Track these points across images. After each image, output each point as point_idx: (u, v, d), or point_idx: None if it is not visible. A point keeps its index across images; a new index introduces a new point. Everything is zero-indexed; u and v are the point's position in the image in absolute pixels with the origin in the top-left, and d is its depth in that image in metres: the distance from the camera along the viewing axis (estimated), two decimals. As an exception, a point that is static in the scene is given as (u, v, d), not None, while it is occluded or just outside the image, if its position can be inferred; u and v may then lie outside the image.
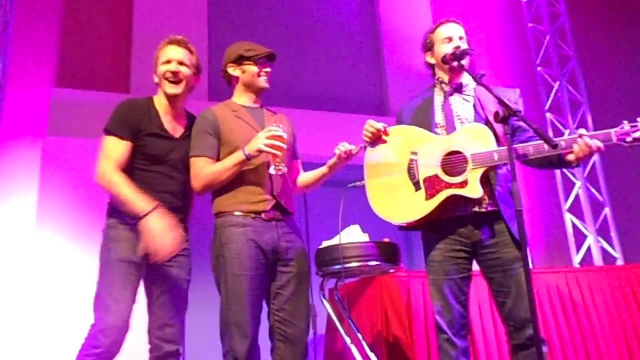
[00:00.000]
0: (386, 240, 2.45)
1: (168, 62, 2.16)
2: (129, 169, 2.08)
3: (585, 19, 5.61)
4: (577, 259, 4.77)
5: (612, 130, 1.86)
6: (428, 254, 2.02)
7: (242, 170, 2.09)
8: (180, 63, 2.17)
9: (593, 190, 4.92)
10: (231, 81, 2.30)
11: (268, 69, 2.25)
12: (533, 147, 1.88)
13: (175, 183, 2.15)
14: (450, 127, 2.03)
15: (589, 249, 4.79)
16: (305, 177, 2.32)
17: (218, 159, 2.15)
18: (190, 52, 2.23)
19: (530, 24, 5.39)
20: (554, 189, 5.03)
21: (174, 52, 2.18)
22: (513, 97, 2.16)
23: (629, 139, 1.84)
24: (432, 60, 2.18)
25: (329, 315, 2.67)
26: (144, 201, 1.95)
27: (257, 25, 4.66)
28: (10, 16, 3.78)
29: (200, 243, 3.97)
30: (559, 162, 1.97)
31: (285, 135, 2.03)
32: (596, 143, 1.85)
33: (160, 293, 2.08)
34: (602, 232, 4.83)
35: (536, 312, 1.64)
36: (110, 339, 1.93)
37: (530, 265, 1.71)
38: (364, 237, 2.31)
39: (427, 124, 2.05)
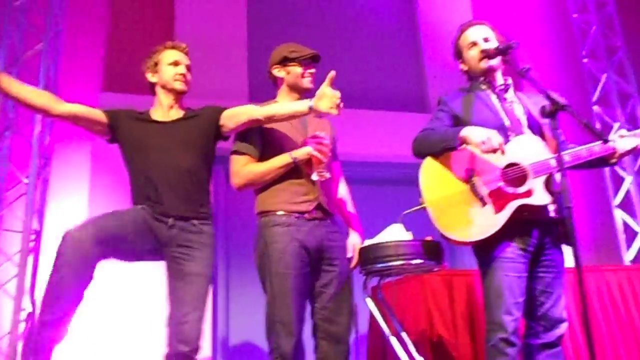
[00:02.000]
0: (429, 238, 2.42)
1: (176, 64, 2.24)
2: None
3: (634, 7, 5.38)
4: (628, 256, 4.59)
5: None
6: (499, 249, 1.96)
7: (286, 172, 2.13)
8: (187, 67, 2.27)
9: (644, 186, 4.73)
10: (276, 83, 2.35)
11: (312, 70, 2.30)
12: (586, 149, 1.91)
13: (183, 170, 2.11)
14: (518, 131, 2.03)
15: (641, 246, 4.61)
16: (342, 204, 2.38)
17: (260, 159, 2.19)
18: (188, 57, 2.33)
19: (575, 15, 5.22)
20: (602, 184, 4.85)
21: (181, 57, 2.27)
22: (541, 99, 2.14)
23: None
24: (465, 68, 2.17)
25: (371, 314, 2.67)
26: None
27: (295, 25, 4.69)
28: (61, 25, 3.94)
29: (242, 242, 4.05)
30: (601, 161, 2.00)
31: (329, 143, 2.09)
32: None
33: (174, 288, 2.03)
34: (655, 229, 4.64)
35: (587, 309, 1.61)
36: None
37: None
38: (408, 236, 2.30)
39: (496, 126, 2.01)
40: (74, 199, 3.57)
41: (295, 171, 2.15)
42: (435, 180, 2.03)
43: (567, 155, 1.92)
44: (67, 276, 1.84)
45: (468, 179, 1.98)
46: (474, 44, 2.10)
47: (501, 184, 1.95)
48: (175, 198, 2.07)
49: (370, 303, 2.46)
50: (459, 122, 2.07)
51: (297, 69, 2.28)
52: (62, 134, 3.79)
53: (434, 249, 2.27)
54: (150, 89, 2.30)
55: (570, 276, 2.62)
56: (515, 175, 1.96)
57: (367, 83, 4.74)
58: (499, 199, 1.94)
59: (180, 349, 1.94)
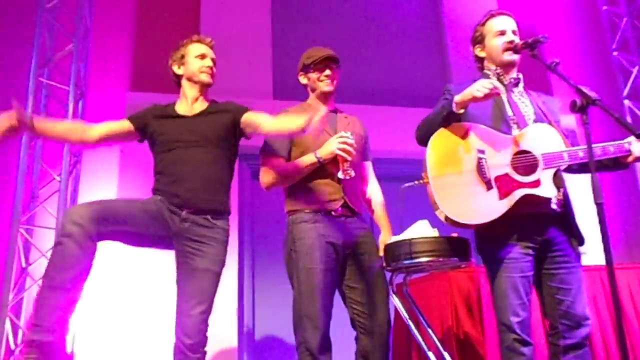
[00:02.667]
0: (455, 235, 2.41)
1: (203, 57, 2.29)
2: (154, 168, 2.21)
3: (667, -2, 5.24)
4: (660, 254, 4.49)
5: None
6: (500, 250, 1.95)
7: (313, 171, 2.17)
8: (213, 61, 2.32)
9: (677, 181, 4.61)
10: (307, 89, 2.44)
11: (327, 72, 2.33)
12: (600, 148, 1.85)
13: (193, 161, 2.14)
14: (522, 123, 1.99)
15: (673, 244, 4.49)
16: (373, 203, 2.40)
17: (289, 159, 2.24)
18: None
19: (604, 7, 5.10)
20: (633, 181, 4.74)
21: (207, 50, 2.32)
22: (557, 105, 2.11)
23: None
24: (482, 54, 2.14)
25: (397, 310, 2.66)
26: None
27: (319, 23, 4.70)
28: (90, 26, 4.03)
29: (268, 237, 4.08)
30: (615, 164, 1.95)
31: (353, 142, 2.11)
32: None
33: (182, 282, 2.07)
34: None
35: (620, 306, 1.58)
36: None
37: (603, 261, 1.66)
38: (434, 232, 2.29)
39: (499, 118, 2.00)
40: (104, 195, 3.64)
41: (322, 170, 2.18)
42: (442, 157, 1.96)
43: (580, 152, 1.88)
44: (68, 245, 1.82)
45: (477, 160, 1.93)
46: (502, 33, 2.06)
47: (510, 170, 1.91)
48: (190, 191, 2.10)
49: (396, 300, 2.46)
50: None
51: (314, 75, 2.35)
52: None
53: (461, 245, 2.25)
54: (176, 81, 2.34)
55: (601, 274, 2.58)
56: (525, 163, 1.91)
57: (391, 79, 4.72)
58: (505, 185, 1.89)
59: (184, 340, 1.99)
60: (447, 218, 1.96)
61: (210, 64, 2.30)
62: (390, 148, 4.01)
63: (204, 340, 2.03)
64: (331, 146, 2.12)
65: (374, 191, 2.43)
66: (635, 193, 4.71)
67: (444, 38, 4.93)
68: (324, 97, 2.35)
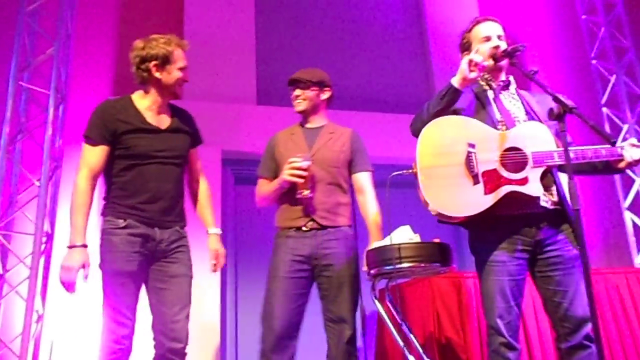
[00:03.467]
0: (437, 240, 2.43)
1: (183, 68, 2.22)
2: (112, 174, 2.13)
3: (643, 8, 5.36)
4: (638, 259, 4.56)
5: None
6: (489, 253, 1.95)
7: (287, 191, 2.36)
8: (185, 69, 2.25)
9: (655, 188, 4.70)
10: None
11: (295, 93, 2.50)
12: (592, 150, 1.86)
13: (170, 178, 2.16)
14: (510, 124, 2.01)
15: (650, 249, 4.57)
16: (364, 215, 2.49)
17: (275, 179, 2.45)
18: None
19: (583, 16, 5.20)
20: (612, 186, 4.82)
21: (185, 60, 2.24)
22: (550, 101, 2.11)
23: None
24: None
25: (379, 316, 2.67)
26: (79, 235, 2.01)
27: (303, 29, 4.71)
28: (71, 29, 3.99)
29: (254, 245, 4.06)
30: (606, 167, 1.95)
31: (304, 165, 2.28)
32: None
33: (162, 290, 2.09)
34: (665, 231, 4.60)
35: (596, 313, 1.58)
36: (124, 346, 2.01)
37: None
38: (416, 238, 2.30)
39: (486, 119, 2.01)
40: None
41: (293, 190, 2.35)
42: (432, 148, 1.96)
43: (572, 152, 1.84)
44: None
45: (466, 153, 1.92)
46: (488, 38, 2.07)
47: (498, 165, 1.91)
48: (162, 206, 2.13)
49: (378, 305, 2.47)
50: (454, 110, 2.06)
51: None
52: (72, 137, 3.83)
53: (443, 251, 2.28)
54: (143, 80, 2.19)
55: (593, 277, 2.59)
56: (515, 160, 1.92)
57: (374, 85, 4.75)
58: (491, 180, 1.89)
59: (174, 346, 2.04)
60: (437, 213, 1.95)
61: (186, 77, 2.24)
62: (372, 154, 4.03)
63: (187, 342, 2.10)
64: (284, 172, 2.32)
65: (364, 203, 2.49)
66: (615, 199, 4.79)
67: (427, 45, 4.98)
68: (302, 116, 2.54)
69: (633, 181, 4.75)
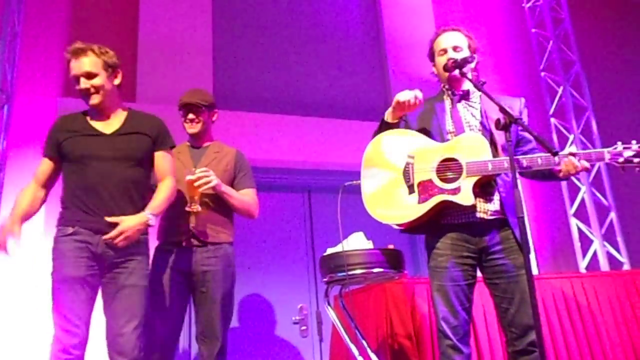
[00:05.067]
0: (391, 247, 2.45)
1: (77, 78, 2.12)
2: (64, 184, 2.15)
3: (589, 23, 5.61)
4: (583, 264, 4.75)
5: (605, 150, 1.91)
6: (434, 259, 2.02)
7: (169, 206, 2.26)
8: (88, 75, 2.12)
9: (598, 195, 4.91)
10: None
11: (189, 116, 2.55)
12: (528, 159, 1.91)
13: (115, 179, 2.09)
14: (459, 133, 2.05)
15: (595, 254, 4.76)
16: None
17: None
18: (97, 53, 2.13)
19: (533, 30, 5.40)
20: (559, 194, 5.01)
21: (78, 66, 2.12)
22: (518, 106, 2.17)
23: (620, 159, 1.89)
24: (435, 71, 2.21)
25: (333, 323, 2.68)
26: (11, 220, 2.06)
27: (260, 33, 4.69)
28: (19, 28, 3.83)
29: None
30: (550, 175, 2.01)
31: (194, 178, 2.29)
32: (583, 164, 1.89)
33: (111, 301, 2.04)
34: (608, 236, 4.80)
35: (539, 319, 1.63)
36: (73, 356, 1.95)
37: (536, 271, 1.71)
38: (368, 244, 2.32)
39: (438, 130, 2.07)
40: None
41: (175, 205, 2.32)
42: (376, 159, 2.08)
43: (505, 162, 1.89)
44: None
45: (405, 164, 2.02)
46: (444, 51, 2.13)
47: (433, 175, 1.98)
48: (116, 210, 2.06)
49: (331, 312, 2.47)
50: (407, 125, 2.15)
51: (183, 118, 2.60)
52: (16, 140, 3.68)
53: (395, 257, 2.31)
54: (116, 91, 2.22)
55: (548, 282, 2.65)
56: (449, 170, 1.97)
57: (330, 92, 4.77)
58: (426, 190, 1.97)
59: None
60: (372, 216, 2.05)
61: (83, 85, 2.17)
62: (328, 160, 4.06)
63: (139, 357, 2.00)
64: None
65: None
66: (562, 206, 4.97)
67: (384, 53, 5.05)
68: (192, 137, 2.59)
69: (579, 189, 4.95)
